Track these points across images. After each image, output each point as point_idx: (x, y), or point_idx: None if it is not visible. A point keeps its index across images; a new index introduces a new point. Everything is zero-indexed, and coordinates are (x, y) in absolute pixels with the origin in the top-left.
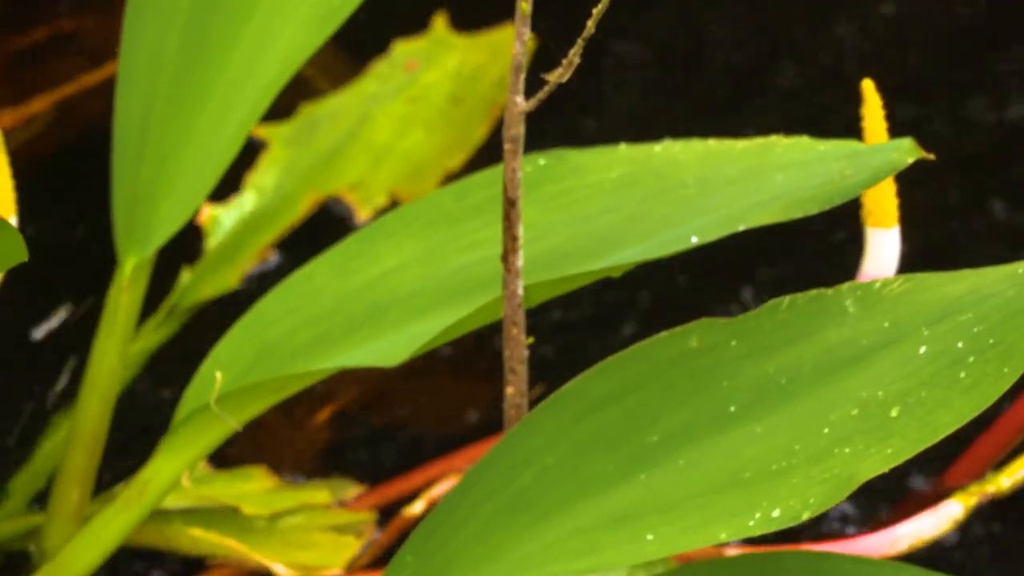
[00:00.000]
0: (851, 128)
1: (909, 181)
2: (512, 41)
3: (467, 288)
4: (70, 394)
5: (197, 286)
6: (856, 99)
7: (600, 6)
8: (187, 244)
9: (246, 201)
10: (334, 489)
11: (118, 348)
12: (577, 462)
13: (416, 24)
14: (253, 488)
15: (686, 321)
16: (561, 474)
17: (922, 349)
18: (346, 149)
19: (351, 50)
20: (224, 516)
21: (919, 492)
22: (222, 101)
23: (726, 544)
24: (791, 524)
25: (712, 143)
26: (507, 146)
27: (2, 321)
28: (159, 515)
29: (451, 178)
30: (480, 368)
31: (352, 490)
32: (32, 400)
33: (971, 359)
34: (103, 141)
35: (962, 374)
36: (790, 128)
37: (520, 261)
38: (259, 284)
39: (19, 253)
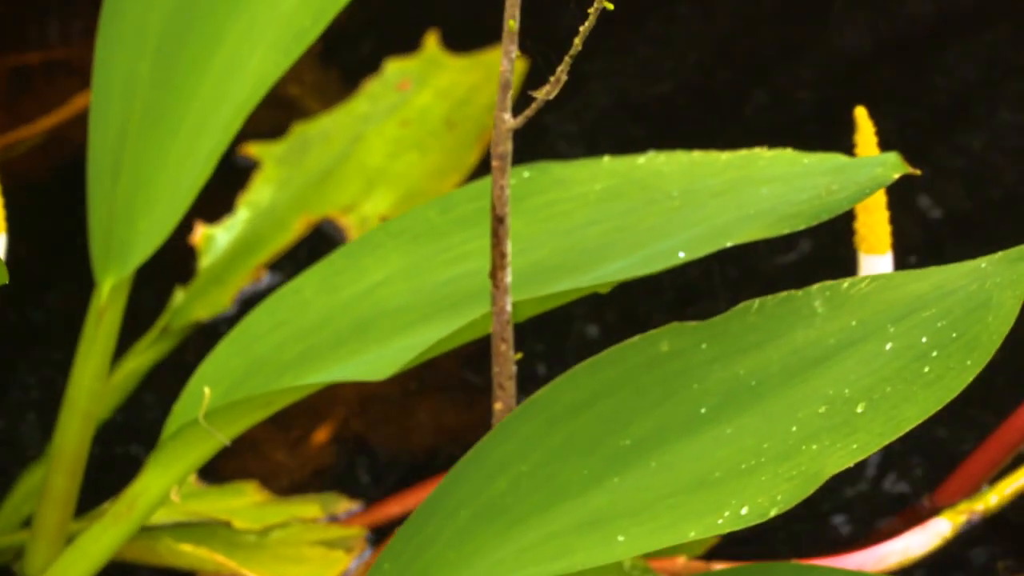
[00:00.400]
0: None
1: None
2: None
3: (454, 302)
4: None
5: (190, 306)
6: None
7: (587, 23)
8: (180, 264)
9: (239, 221)
10: (324, 503)
11: (97, 369)
12: (551, 468)
13: (407, 43)
14: (243, 503)
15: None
16: (535, 480)
17: (888, 346)
18: (339, 170)
19: (342, 69)
20: (214, 531)
21: (908, 509)
22: (196, 122)
23: (713, 559)
24: (759, 521)
25: (696, 155)
26: (495, 163)
27: None
28: (149, 531)
29: None
30: (477, 392)
31: (343, 504)
32: (26, 418)
33: (935, 353)
34: None
35: (926, 368)
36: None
37: (508, 277)
38: (251, 305)
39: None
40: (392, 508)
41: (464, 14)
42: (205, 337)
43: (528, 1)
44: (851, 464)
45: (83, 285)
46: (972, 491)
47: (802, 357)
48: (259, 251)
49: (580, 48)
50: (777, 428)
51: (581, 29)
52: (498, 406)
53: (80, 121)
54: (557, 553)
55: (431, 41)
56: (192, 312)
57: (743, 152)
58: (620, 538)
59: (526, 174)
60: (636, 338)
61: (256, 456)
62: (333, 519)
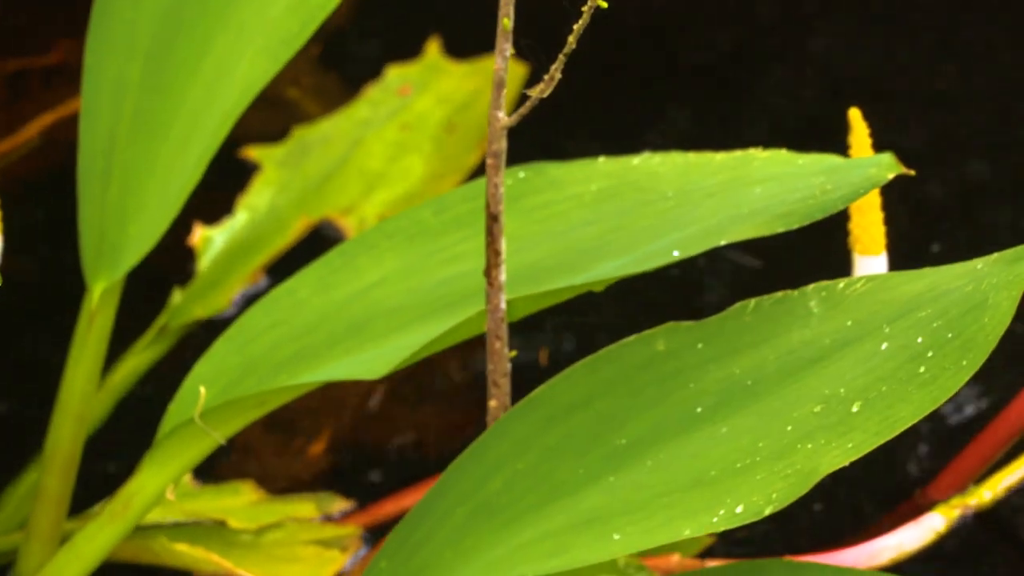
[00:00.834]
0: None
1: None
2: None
3: (449, 301)
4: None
5: (188, 307)
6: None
7: (581, 21)
8: (179, 265)
9: (238, 223)
10: (320, 503)
11: (89, 371)
12: (547, 466)
13: (409, 49)
14: (239, 502)
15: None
16: (531, 478)
17: (883, 346)
18: (339, 173)
19: (344, 74)
20: (209, 531)
21: (902, 505)
22: (185, 126)
23: (708, 556)
24: (754, 519)
25: (691, 155)
26: (489, 161)
27: None
28: (144, 530)
29: None
30: (474, 395)
31: (338, 504)
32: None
33: (930, 354)
34: None
35: (921, 368)
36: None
37: (503, 276)
38: (249, 306)
39: None
40: (387, 507)
41: (465, 21)
42: (204, 338)
43: (530, 6)
44: (846, 463)
45: (76, 288)
46: (964, 487)
47: (798, 357)
48: (258, 253)
49: (574, 47)
50: (773, 427)
51: (575, 27)
52: (493, 403)
53: (76, 124)
54: (553, 551)
55: (432, 47)
56: (190, 312)
57: (738, 153)
58: (616, 536)
59: (521, 174)
60: (632, 338)
61: (252, 457)
62: (328, 519)
